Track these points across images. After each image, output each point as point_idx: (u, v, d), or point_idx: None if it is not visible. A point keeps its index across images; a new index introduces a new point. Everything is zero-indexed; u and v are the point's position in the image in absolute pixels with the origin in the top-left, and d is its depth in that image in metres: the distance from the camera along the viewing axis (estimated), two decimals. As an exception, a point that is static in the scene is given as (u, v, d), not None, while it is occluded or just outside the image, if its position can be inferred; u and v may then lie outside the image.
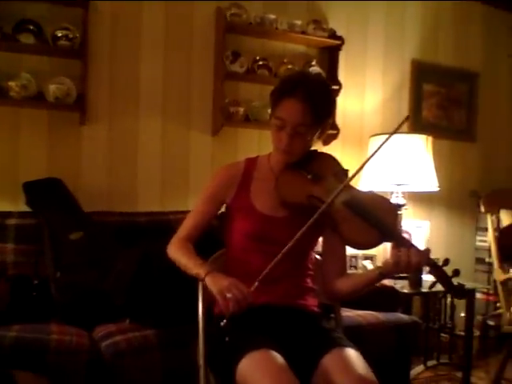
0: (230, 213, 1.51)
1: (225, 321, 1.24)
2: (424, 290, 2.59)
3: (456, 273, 1.26)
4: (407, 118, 1.35)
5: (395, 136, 2.71)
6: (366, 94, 3.15)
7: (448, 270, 1.29)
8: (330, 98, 1.48)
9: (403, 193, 2.80)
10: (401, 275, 2.68)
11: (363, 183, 2.80)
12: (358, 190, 1.44)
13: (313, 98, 1.38)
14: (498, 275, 2.65)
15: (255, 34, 2.79)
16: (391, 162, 2.73)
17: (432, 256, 1.28)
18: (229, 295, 1.23)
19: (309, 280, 1.52)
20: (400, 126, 1.35)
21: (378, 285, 2.30)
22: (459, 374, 2.78)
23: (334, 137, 2.95)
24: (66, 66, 2.41)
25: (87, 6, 2.40)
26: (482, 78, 3.52)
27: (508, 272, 2.56)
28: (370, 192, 1.45)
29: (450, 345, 3.00)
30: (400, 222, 2.79)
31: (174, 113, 2.71)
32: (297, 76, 1.50)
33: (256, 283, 1.27)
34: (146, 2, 2.62)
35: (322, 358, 1.24)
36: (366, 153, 2.86)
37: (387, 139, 1.35)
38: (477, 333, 3.24)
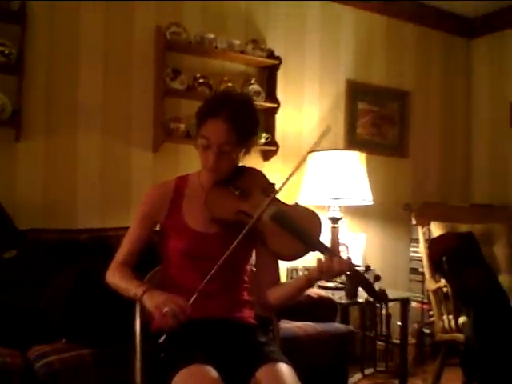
0: (164, 232, 1.53)
1: (164, 337, 1.26)
2: (360, 300, 2.70)
3: (377, 278, 1.35)
4: (328, 130, 1.44)
5: (332, 152, 2.87)
6: (303, 112, 3.26)
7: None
8: (254, 117, 1.52)
9: (340, 207, 2.91)
10: (338, 287, 2.80)
11: (302, 198, 2.88)
12: (284, 204, 1.50)
13: (237, 118, 1.41)
14: (430, 285, 2.79)
15: (195, 52, 2.84)
16: (328, 177, 2.83)
17: (355, 264, 1.36)
18: (166, 309, 1.24)
19: (245, 293, 1.55)
20: (322, 136, 1.43)
21: (316, 296, 2.43)
22: (396, 382, 2.88)
23: (274, 153, 3.03)
24: (2, 82, 2.36)
25: (24, 22, 2.37)
26: (413, 97, 3.70)
27: (439, 281, 2.69)
28: (296, 205, 1.51)
29: (387, 353, 3.11)
30: (337, 234, 2.89)
31: (114, 129, 2.70)
32: (221, 96, 1.54)
33: (194, 296, 1.30)
34: (84, 19, 2.61)
35: (255, 373, 1.28)
36: (305, 168, 2.95)
37: (309, 151, 1.43)
38: (413, 341, 3.37)
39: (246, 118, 1.46)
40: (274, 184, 1.54)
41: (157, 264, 1.60)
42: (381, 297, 1.36)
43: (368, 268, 1.38)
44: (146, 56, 2.76)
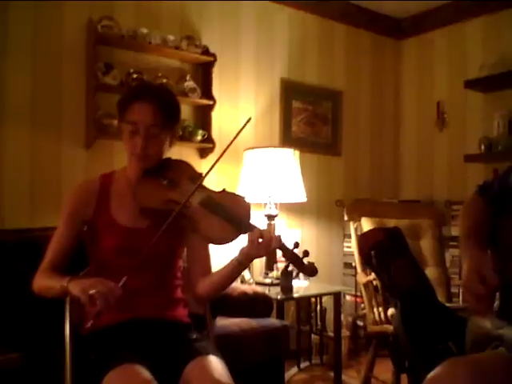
0: (92, 230, 1.50)
1: (91, 321, 1.24)
2: (295, 295, 2.76)
3: (306, 254, 1.39)
4: (249, 120, 1.48)
5: (267, 150, 2.91)
6: (240, 110, 3.28)
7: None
8: (176, 103, 1.56)
9: (275, 204, 2.95)
10: (274, 283, 2.84)
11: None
12: (212, 190, 1.52)
13: (161, 100, 1.47)
14: (361, 278, 2.88)
15: (128, 47, 2.78)
16: (263, 174, 2.87)
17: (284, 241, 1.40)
18: (93, 291, 1.22)
19: (178, 290, 1.55)
20: (243, 127, 1.46)
21: (251, 293, 2.45)
22: (331, 374, 2.95)
23: (211, 150, 3.03)
24: None
25: None
26: (345, 96, 3.81)
27: (369, 275, 2.79)
28: (224, 190, 1.53)
29: (321, 346, 3.19)
30: (273, 231, 2.94)
31: (44, 125, 2.59)
32: (141, 84, 1.59)
33: (124, 278, 1.28)
34: (13, 12, 2.48)
35: (185, 367, 1.29)
36: (242, 165, 2.97)
37: (233, 140, 1.46)
38: (347, 333, 3.48)
39: (170, 102, 1.52)
40: (201, 173, 1.56)
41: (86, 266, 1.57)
42: (310, 270, 1.40)
43: (297, 245, 1.41)
44: (77, 50, 2.67)
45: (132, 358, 1.25)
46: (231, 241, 1.41)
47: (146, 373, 1.22)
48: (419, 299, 2.31)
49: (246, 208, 1.47)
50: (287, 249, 1.39)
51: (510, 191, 1.23)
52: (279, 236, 1.37)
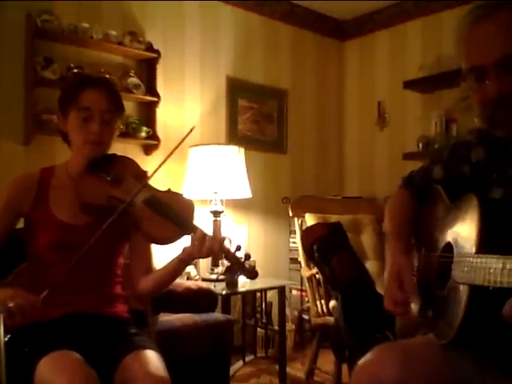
0: (30, 225, 1.48)
1: (9, 336, 1.22)
2: (241, 290, 2.79)
3: (247, 257, 1.42)
4: (192, 129, 1.49)
5: (213, 147, 2.93)
6: (185, 107, 3.28)
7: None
8: (119, 93, 1.58)
9: (221, 200, 2.98)
10: (220, 278, 2.87)
11: (184, 192, 2.90)
12: (157, 190, 1.52)
13: (111, 88, 1.52)
14: (304, 272, 2.96)
15: (69, 41, 2.73)
16: (209, 171, 2.88)
17: (228, 245, 1.43)
18: (11, 305, 1.20)
19: (117, 287, 1.55)
20: (186, 136, 1.48)
21: (195, 288, 2.46)
22: (276, 367, 3.01)
23: (156, 147, 3.02)
24: None
25: None
26: (290, 95, 3.87)
27: (312, 269, 2.87)
28: (169, 190, 1.54)
29: (267, 339, 3.24)
30: (219, 227, 2.96)
31: (-21, 120, 2.51)
32: (86, 73, 1.60)
33: (46, 291, 1.27)
34: None
35: (122, 361, 1.29)
36: (187, 162, 2.97)
37: (176, 147, 1.47)
38: (293, 327, 3.55)
39: (116, 90, 1.55)
40: (146, 171, 1.56)
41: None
42: (251, 273, 1.44)
43: (239, 248, 1.45)
44: (16, 44, 2.60)
45: (65, 346, 1.25)
46: (174, 241, 1.42)
47: (76, 354, 1.22)
48: (359, 291, 2.40)
49: (190, 209, 1.48)
50: (229, 252, 1.41)
51: (432, 183, 1.28)
52: (222, 239, 1.40)
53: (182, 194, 1.56)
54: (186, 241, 1.43)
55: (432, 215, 1.24)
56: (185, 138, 1.46)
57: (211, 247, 1.36)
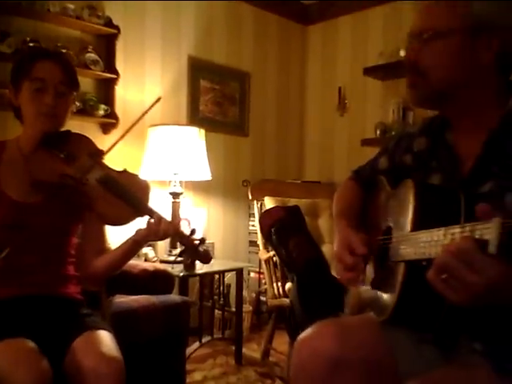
0: None
1: None
2: (198, 271, 2.80)
3: (202, 241, 1.43)
4: (158, 100, 1.47)
5: (173, 127, 2.89)
6: (145, 86, 3.21)
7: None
8: (74, 68, 1.56)
9: (181, 182, 2.95)
10: (177, 260, 2.85)
11: (143, 173, 2.86)
12: (112, 169, 1.50)
13: (64, 60, 1.50)
14: (262, 255, 2.99)
15: (26, 14, 2.63)
16: (169, 152, 2.85)
17: (183, 229, 1.43)
18: None
19: (70, 267, 1.52)
20: (151, 106, 1.46)
21: (152, 269, 2.45)
22: (233, 348, 3.05)
23: (114, 126, 2.95)
24: None
25: None
26: (252, 77, 3.86)
27: (270, 251, 2.90)
28: (124, 171, 1.52)
29: (224, 321, 3.27)
30: (178, 209, 2.94)
31: None
32: (41, 46, 1.56)
33: (6, 250, 1.25)
34: None
35: (73, 342, 1.28)
36: (146, 142, 2.93)
37: (139, 119, 1.45)
38: (250, 308, 3.60)
39: (71, 64, 1.54)
40: (102, 150, 1.53)
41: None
42: (205, 257, 1.45)
43: (194, 231, 1.45)
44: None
45: (16, 332, 1.23)
46: (127, 223, 1.41)
47: (32, 344, 1.20)
48: (314, 273, 2.46)
49: (145, 190, 1.47)
50: (184, 236, 1.42)
51: (378, 174, 1.32)
52: (177, 222, 1.40)
53: (137, 175, 1.54)
54: (141, 222, 1.42)
55: (375, 204, 1.28)
56: (149, 109, 1.45)
57: (166, 230, 1.35)
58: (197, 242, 1.42)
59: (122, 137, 1.45)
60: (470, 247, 0.78)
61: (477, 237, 0.78)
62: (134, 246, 1.45)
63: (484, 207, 0.77)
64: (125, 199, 1.39)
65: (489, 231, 0.74)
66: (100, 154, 1.50)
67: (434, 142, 1.19)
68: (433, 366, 1.05)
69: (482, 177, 1.04)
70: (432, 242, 0.89)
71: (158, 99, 1.49)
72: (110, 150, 1.45)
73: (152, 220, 1.36)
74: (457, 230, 0.83)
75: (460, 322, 1.01)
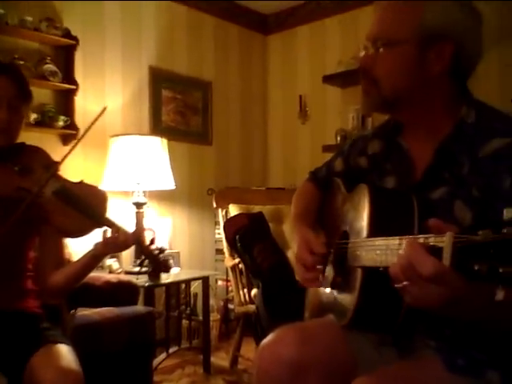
0: None
1: None
2: (164, 281, 2.79)
3: (161, 250, 1.43)
4: (104, 110, 1.48)
5: (135, 137, 2.88)
6: (106, 96, 3.20)
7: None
8: (27, 80, 1.55)
9: (144, 192, 2.94)
10: (142, 271, 2.83)
11: (105, 183, 2.84)
12: (68, 181, 1.49)
13: (17, 74, 1.49)
14: (228, 262, 3.01)
15: (-17, 27, 2.60)
16: (131, 162, 2.84)
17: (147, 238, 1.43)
18: None
19: (29, 281, 1.50)
20: (98, 117, 1.47)
21: (116, 281, 2.43)
22: (201, 357, 3.03)
23: (74, 137, 2.92)
24: None
25: None
26: (214, 87, 3.88)
27: (235, 259, 2.91)
28: (81, 182, 1.51)
29: (192, 330, 3.26)
30: (142, 219, 2.92)
31: None
32: None
33: None
34: None
35: (32, 357, 1.26)
36: (107, 153, 2.91)
37: (87, 130, 1.45)
38: (218, 316, 3.59)
39: (24, 77, 1.52)
40: (57, 162, 1.52)
41: None
42: (164, 266, 1.45)
43: (153, 241, 1.46)
44: None
45: None
46: (85, 234, 1.40)
47: None
48: (278, 278, 2.48)
49: (103, 201, 1.46)
50: (143, 245, 1.42)
51: (334, 176, 1.34)
52: (136, 232, 1.40)
53: (95, 186, 1.54)
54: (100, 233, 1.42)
55: (332, 206, 1.30)
56: (96, 120, 1.45)
57: (125, 241, 1.35)
58: (156, 252, 1.42)
59: (74, 147, 1.44)
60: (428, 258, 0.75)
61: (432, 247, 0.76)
62: (93, 259, 1.44)
63: (436, 222, 0.77)
64: (82, 210, 1.38)
65: (442, 245, 0.73)
66: (55, 165, 1.48)
67: (387, 145, 1.20)
68: None
69: (434, 183, 1.05)
70: (388, 251, 0.89)
71: (104, 109, 1.49)
72: (63, 160, 1.44)
73: (110, 231, 1.36)
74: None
75: (417, 322, 1.03)
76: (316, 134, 3.95)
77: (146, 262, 1.45)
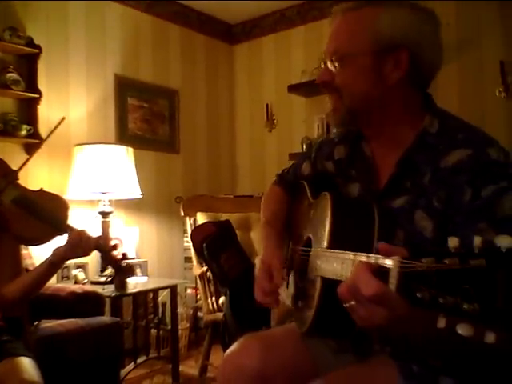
0: None
1: None
2: (131, 291, 2.77)
3: (124, 257, 1.43)
4: (62, 120, 1.48)
5: (100, 146, 2.86)
6: (70, 105, 3.17)
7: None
8: None
9: (110, 201, 2.92)
10: (108, 281, 2.81)
11: (70, 192, 2.81)
12: (27, 189, 1.48)
13: None
14: (196, 270, 3.01)
15: None
16: (97, 171, 2.82)
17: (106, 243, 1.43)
18: None
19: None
20: (56, 127, 1.47)
21: (81, 291, 2.40)
22: (170, 366, 3.02)
23: (38, 146, 2.88)
24: None
25: None
26: (181, 95, 3.89)
27: (203, 267, 2.91)
28: (41, 190, 1.51)
29: (160, 339, 3.24)
30: (108, 228, 2.90)
31: None
32: None
33: None
34: None
35: None
36: (72, 161, 2.88)
37: (45, 139, 1.45)
38: (187, 325, 3.57)
39: None
40: (15, 170, 1.50)
41: None
42: (126, 271, 1.45)
43: (115, 246, 1.45)
44: None
45: None
46: (46, 242, 1.40)
47: None
48: (245, 286, 2.49)
49: (63, 209, 1.46)
50: (105, 251, 1.42)
51: (301, 179, 1.33)
52: (97, 238, 1.40)
53: (55, 194, 1.53)
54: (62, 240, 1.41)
55: (298, 211, 1.31)
56: (53, 131, 1.44)
57: (85, 247, 1.35)
58: (119, 257, 1.42)
59: (31, 157, 1.44)
60: (376, 282, 0.75)
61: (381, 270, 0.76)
62: (51, 266, 1.42)
63: (384, 246, 0.76)
64: (41, 218, 1.38)
65: (388, 267, 0.72)
66: (14, 174, 1.47)
67: (352, 151, 1.20)
68: None
69: (396, 192, 1.06)
70: (344, 265, 0.88)
71: (62, 119, 1.49)
72: (20, 169, 1.43)
73: (70, 237, 1.35)
74: (364, 258, 0.82)
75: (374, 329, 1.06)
76: (283, 141, 4.00)
77: (110, 269, 1.45)
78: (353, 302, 0.80)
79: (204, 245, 2.55)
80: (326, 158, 1.27)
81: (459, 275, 0.61)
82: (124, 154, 2.94)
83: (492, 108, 3.12)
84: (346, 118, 1.11)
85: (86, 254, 1.38)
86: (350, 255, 0.87)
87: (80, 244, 1.35)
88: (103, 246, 1.41)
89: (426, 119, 1.06)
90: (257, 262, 1.27)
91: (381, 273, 0.74)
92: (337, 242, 0.99)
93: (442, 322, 0.63)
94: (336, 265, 0.92)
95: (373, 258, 0.79)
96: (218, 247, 2.54)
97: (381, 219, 1.00)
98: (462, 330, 0.60)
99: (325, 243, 1.02)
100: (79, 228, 1.39)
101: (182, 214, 3.20)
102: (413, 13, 1.06)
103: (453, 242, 0.64)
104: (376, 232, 0.98)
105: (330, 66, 1.09)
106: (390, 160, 1.08)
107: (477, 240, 0.62)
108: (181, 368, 3.03)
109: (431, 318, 0.64)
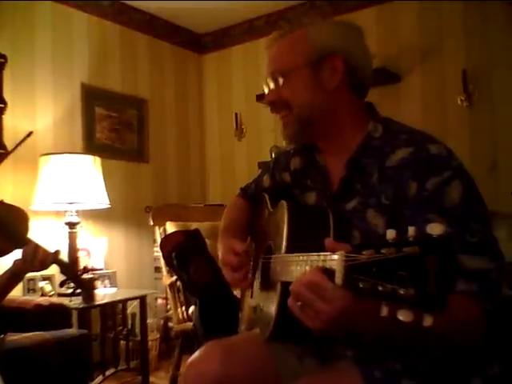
0: None
1: None
2: (100, 302, 2.73)
3: (85, 270, 1.43)
4: (29, 135, 1.47)
5: (67, 156, 2.83)
6: (36, 114, 3.12)
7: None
8: None
9: (77, 211, 2.88)
10: (76, 292, 2.76)
11: (36, 203, 2.77)
12: None
13: None
14: (166, 280, 2.99)
15: None
16: (63, 181, 2.78)
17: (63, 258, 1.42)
18: None
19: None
20: (22, 141, 1.45)
21: (46, 304, 2.36)
22: (140, 378, 2.99)
23: (4, 157, 2.83)
24: None
25: None
26: (150, 105, 3.88)
27: (172, 276, 2.90)
28: (1, 202, 1.49)
29: (130, 351, 3.20)
30: (75, 239, 2.86)
31: None
32: None
33: None
34: None
35: None
36: (38, 172, 2.83)
37: (11, 151, 1.44)
38: (158, 335, 3.54)
39: None
40: None
41: None
42: (86, 285, 1.45)
43: (76, 260, 1.46)
44: None
45: None
46: (5, 255, 1.38)
47: None
48: (215, 295, 2.49)
49: (23, 221, 1.44)
50: (63, 264, 1.41)
51: (262, 191, 1.39)
52: (56, 252, 1.38)
53: (15, 205, 1.51)
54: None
55: (260, 222, 1.34)
56: (19, 144, 1.43)
57: (43, 260, 1.34)
58: (79, 271, 1.41)
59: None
60: (318, 279, 0.80)
61: (327, 267, 0.81)
62: (12, 276, 1.41)
63: (330, 242, 0.82)
64: (0, 230, 1.36)
65: (335, 263, 0.77)
66: None
67: (306, 162, 1.26)
68: None
69: (348, 194, 1.12)
70: (298, 267, 0.92)
71: (30, 133, 1.47)
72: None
73: (28, 250, 1.34)
74: (314, 258, 0.86)
75: (335, 333, 1.06)
76: (252, 150, 4.02)
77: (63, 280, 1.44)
78: (299, 303, 0.83)
79: (173, 254, 2.54)
80: (283, 169, 1.34)
81: (395, 263, 0.65)
82: (91, 164, 2.91)
83: (454, 117, 3.21)
84: (298, 132, 1.17)
85: (43, 268, 1.37)
86: (303, 257, 0.91)
87: (35, 259, 1.33)
88: (61, 260, 1.39)
89: (370, 125, 1.13)
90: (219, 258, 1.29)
91: (328, 270, 0.79)
92: (294, 247, 1.02)
93: (384, 311, 0.66)
94: (293, 268, 0.95)
95: (322, 256, 0.83)
96: (186, 256, 2.53)
97: (336, 222, 1.05)
98: (403, 316, 0.63)
99: (283, 249, 1.06)
100: (37, 242, 1.37)
101: (152, 223, 3.18)
102: (337, 24, 1.19)
103: (391, 234, 0.68)
104: (332, 234, 1.03)
105: (273, 85, 1.17)
106: (340, 165, 1.14)
107: (410, 230, 0.65)
108: (151, 379, 3.01)
109: (375, 308, 0.68)
